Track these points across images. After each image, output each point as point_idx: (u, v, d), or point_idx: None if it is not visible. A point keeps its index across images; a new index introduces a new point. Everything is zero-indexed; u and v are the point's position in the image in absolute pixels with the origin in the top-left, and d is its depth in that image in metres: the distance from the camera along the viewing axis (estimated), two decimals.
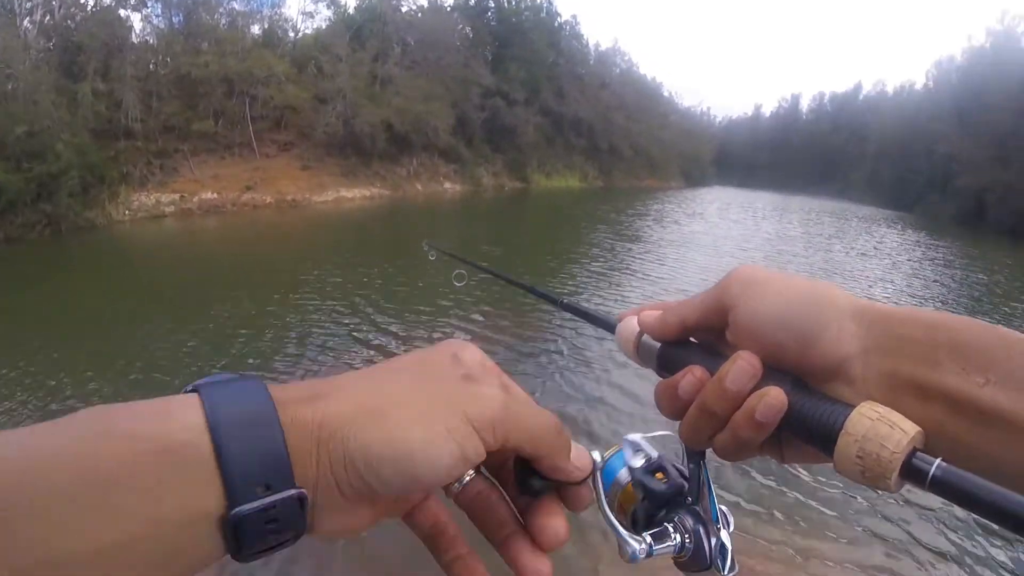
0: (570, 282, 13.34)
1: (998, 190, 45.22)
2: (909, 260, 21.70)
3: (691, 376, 0.47)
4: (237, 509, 0.31)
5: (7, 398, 6.90)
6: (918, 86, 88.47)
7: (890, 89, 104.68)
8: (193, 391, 0.34)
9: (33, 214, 18.98)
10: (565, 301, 0.80)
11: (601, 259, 16.49)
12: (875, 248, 24.49)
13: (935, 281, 17.49)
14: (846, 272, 17.02)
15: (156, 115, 28.03)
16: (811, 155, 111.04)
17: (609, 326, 0.60)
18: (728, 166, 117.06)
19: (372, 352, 8.50)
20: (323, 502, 0.35)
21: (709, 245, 20.93)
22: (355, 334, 9.24)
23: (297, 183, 31.35)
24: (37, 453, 0.28)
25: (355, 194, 33.76)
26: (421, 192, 38.70)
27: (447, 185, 42.06)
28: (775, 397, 0.42)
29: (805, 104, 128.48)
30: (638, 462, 0.54)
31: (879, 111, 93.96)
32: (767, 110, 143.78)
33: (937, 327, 0.41)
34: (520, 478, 0.44)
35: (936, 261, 22.28)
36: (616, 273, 14.46)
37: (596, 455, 0.47)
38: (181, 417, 0.32)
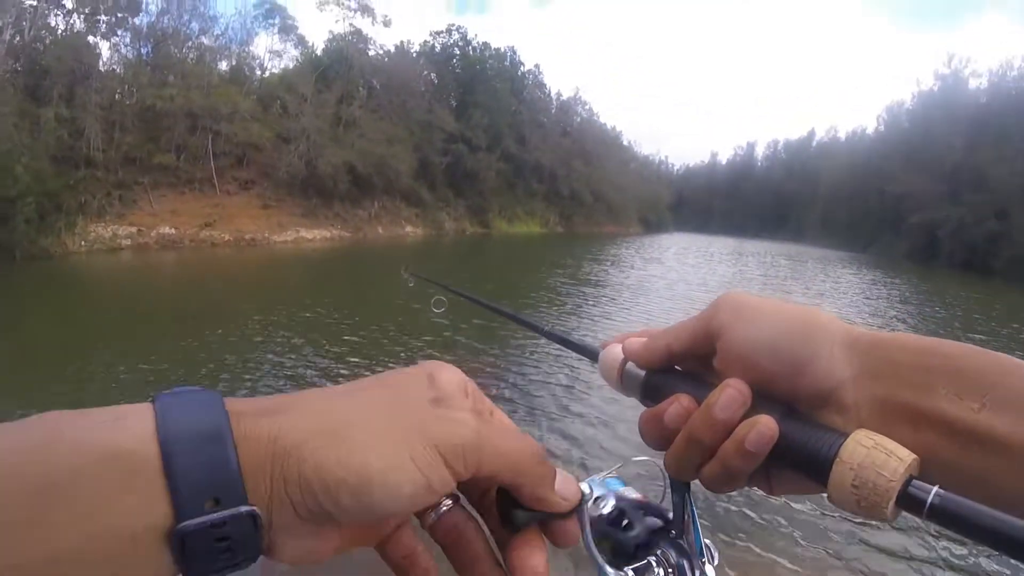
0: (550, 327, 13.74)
1: (949, 225, 47.40)
2: (867, 299, 22.23)
3: (677, 405, 0.46)
4: (183, 524, 0.30)
5: None
6: (870, 131, 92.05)
7: (842, 135, 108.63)
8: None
9: None
10: (548, 329, 0.81)
11: (559, 303, 16.86)
12: (833, 288, 25.06)
13: (895, 318, 17.89)
14: None
15: (118, 146, 27.97)
16: (766, 200, 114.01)
17: (592, 354, 0.60)
18: (685, 212, 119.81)
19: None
20: (280, 523, 0.33)
21: (664, 289, 21.29)
22: (319, 369, 9.34)
23: (256, 222, 31.40)
24: None
25: (315, 235, 33.88)
26: (382, 235, 38.93)
27: (408, 228, 42.43)
28: (766, 425, 0.41)
29: (760, 151, 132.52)
30: (604, 510, 0.56)
31: (832, 156, 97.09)
32: (723, 158, 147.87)
33: (930, 352, 0.40)
34: (502, 510, 0.41)
35: (894, 298, 22.87)
36: (575, 318, 14.77)
37: (585, 486, 0.44)
38: (131, 426, 0.31)
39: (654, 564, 0.48)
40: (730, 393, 0.43)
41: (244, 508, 0.31)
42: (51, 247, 21.51)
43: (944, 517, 0.35)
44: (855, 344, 0.43)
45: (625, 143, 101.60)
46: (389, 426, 0.35)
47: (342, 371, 9.70)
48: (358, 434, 0.34)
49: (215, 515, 0.30)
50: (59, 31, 29.13)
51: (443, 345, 10.69)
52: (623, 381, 0.53)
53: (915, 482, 0.37)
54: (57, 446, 0.29)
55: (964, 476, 0.37)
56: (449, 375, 0.41)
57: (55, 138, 24.31)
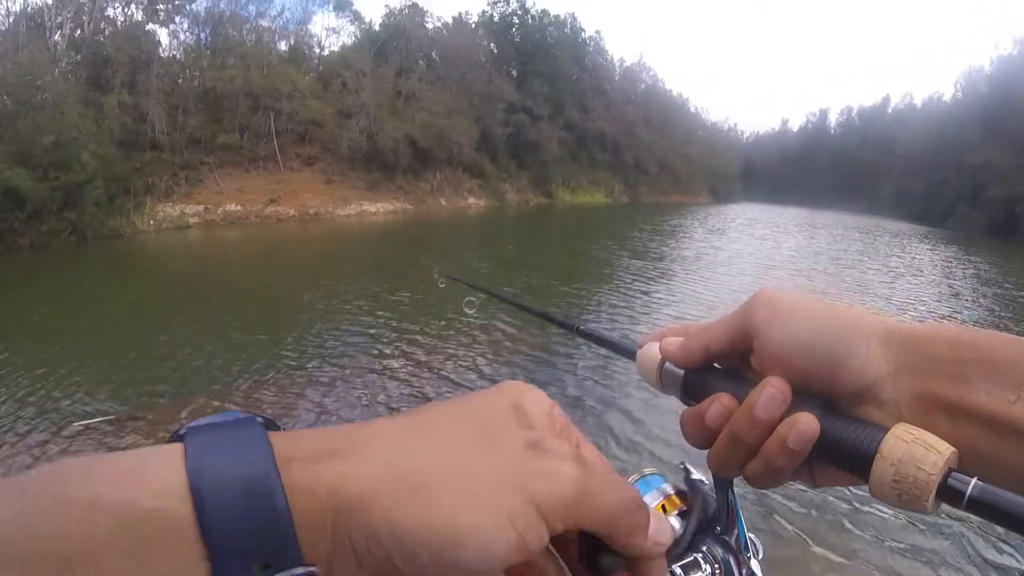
0: (593, 304, 13.19)
1: None
2: (946, 279, 20.63)
3: (718, 404, 0.46)
4: None
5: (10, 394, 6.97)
6: (946, 97, 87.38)
7: (918, 101, 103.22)
8: (182, 439, 0.29)
9: (58, 222, 19.24)
10: (582, 328, 0.77)
11: (608, 279, 16.10)
12: (909, 266, 23.53)
13: (975, 302, 16.45)
14: (881, 295, 16.00)
15: (182, 128, 28.43)
16: (839, 170, 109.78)
17: (629, 353, 0.59)
18: (755, 181, 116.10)
19: (382, 366, 8.29)
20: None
21: (719, 265, 19.84)
22: (366, 348, 9.02)
23: (320, 197, 31.54)
24: None
25: (378, 208, 33.89)
26: (445, 207, 38.75)
27: (471, 200, 42.11)
28: (807, 424, 0.41)
29: (833, 118, 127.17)
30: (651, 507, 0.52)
31: (907, 124, 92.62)
32: (795, 125, 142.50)
33: (965, 345, 0.40)
34: (588, 554, 0.38)
35: (970, 277, 21.33)
36: (640, 296, 13.79)
37: (676, 523, 0.46)
38: (156, 478, 0.26)
39: (701, 561, 0.49)
40: (770, 392, 0.43)
41: (299, 570, 0.27)
42: (121, 227, 22.03)
43: (982, 508, 0.35)
44: (891, 339, 0.43)
45: (692, 110, 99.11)
46: (480, 476, 0.31)
47: (394, 335, 9.52)
48: (442, 486, 0.30)
49: None
50: (118, 22, 29.64)
51: (504, 325, 10.04)
52: (662, 380, 0.53)
53: (954, 474, 0.37)
54: (67, 509, 0.24)
55: (1004, 467, 0.37)
56: (536, 403, 0.36)
57: (119, 124, 24.67)
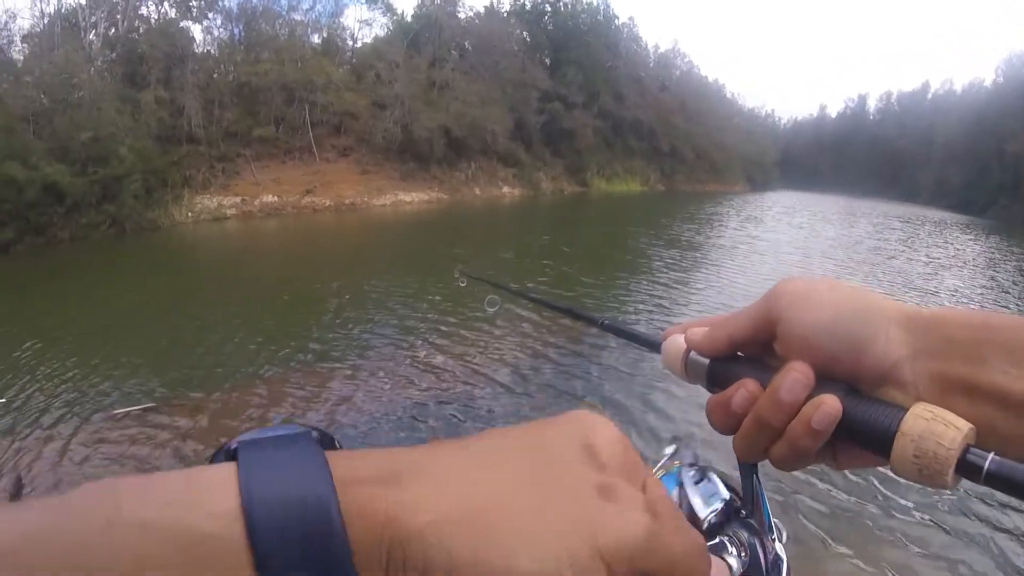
0: (624, 294, 12.94)
1: None
2: (991, 270, 20.05)
3: (744, 390, 0.47)
4: None
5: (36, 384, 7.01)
6: (987, 83, 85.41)
7: (959, 87, 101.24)
8: (233, 455, 0.27)
9: (97, 215, 19.47)
10: (606, 322, 0.78)
11: (642, 270, 15.68)
12: (953, 258, 22.86)
13: (1019, 297, 15.76)
14: (925, 289, 15.28)
15: (218, 122, 28.61)
16: (878, 157, 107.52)
17: (654, 345, 0.60)
18: (792, 169, 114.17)
19: (409, 357, 8.14)
20: None
21: (755, 255, 19.68)
22: (394, 339, 8.90)
23: (356, 187, 31.59)
24: (25, 544, 0.22)
25: (413, 198, 33.83)
26: (479, 196, 38.56)
27: (505, 189, 41.85)
28: (830, 404, 0.42)
29: (872, 104, 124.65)
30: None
31: (948, 110, 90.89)
32: (833, 111, 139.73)
33: (982, 327, 0.41)
34: None
35: (1017, 271, 20.58)
36: (677, 287, 13.43)
37: (733, 561, 0.44)
38: (209, 501, 0.25)
39: (727, 543, 0.49)
40: (794, 376, 0.44)
41: None
42: (159, 219, 22.22)
43: (1000, 481, 0.36)
44: (910, 323, 0.44)
45: (728, 96, 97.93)
46: (545, 518, 0.29)
47: (422, 326, 9.39)
48: (504, 524, 0.28)
49: None
50: (152, 20, 29.99)
51: (529, 318, 9.71)
52: (687, 370, 0.54)
53: (972, 449, 0.38)
54: (118, 529, 0.23)
55: (1020, 444, 0.38)
56: (609, 440, 0.34)
57: (156, 119, 24.89)
